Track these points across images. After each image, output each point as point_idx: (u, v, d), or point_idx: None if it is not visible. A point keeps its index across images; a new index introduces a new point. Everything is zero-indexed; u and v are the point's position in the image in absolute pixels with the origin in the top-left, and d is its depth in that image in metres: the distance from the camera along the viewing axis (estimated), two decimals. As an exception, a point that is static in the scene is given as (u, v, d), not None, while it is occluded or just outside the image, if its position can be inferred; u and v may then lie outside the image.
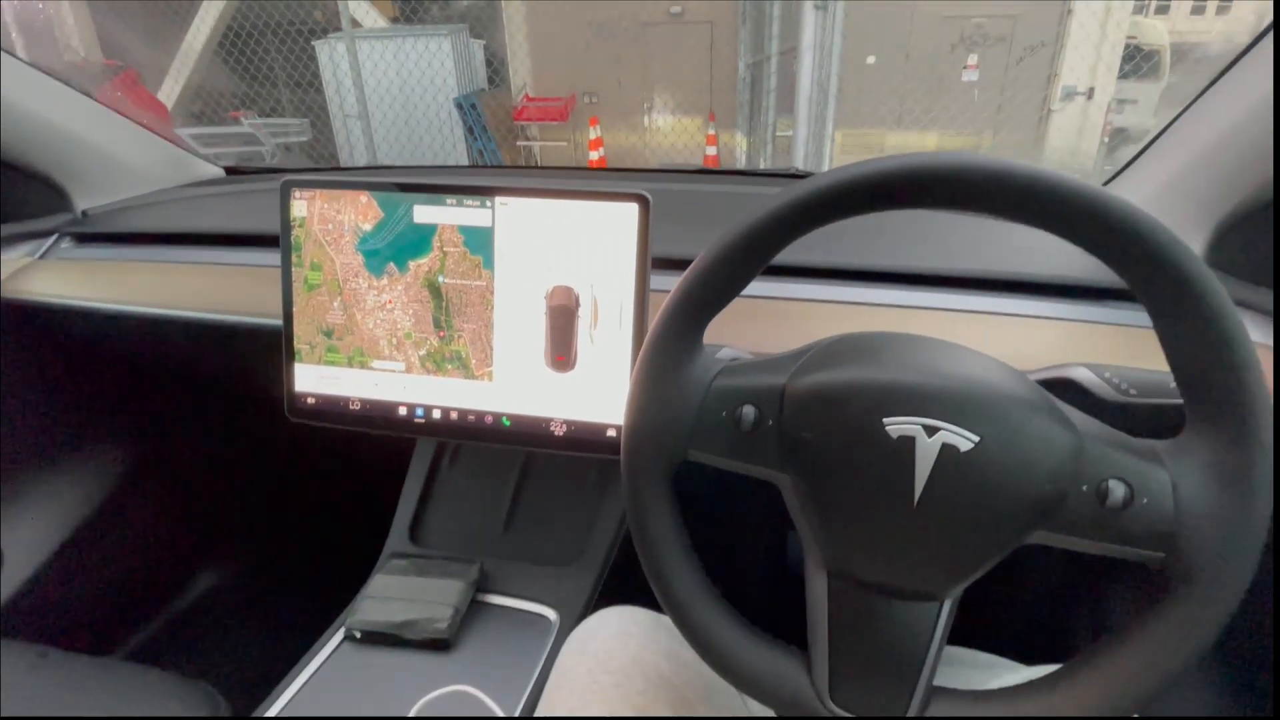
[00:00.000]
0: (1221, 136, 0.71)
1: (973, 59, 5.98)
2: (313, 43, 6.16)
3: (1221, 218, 0.71)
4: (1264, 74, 0.66)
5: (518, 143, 6.87)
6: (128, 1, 6.61)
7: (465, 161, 6.11)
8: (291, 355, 0.82)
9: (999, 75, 5.99)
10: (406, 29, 6.42)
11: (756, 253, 0.47)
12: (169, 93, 6.87)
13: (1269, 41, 0.67)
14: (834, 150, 3.65)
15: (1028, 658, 0.68)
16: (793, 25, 4.06)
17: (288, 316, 0.81)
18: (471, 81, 6.49)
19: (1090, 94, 5.72)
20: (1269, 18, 0.68)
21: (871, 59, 5.95)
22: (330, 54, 6.08)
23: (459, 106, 6.07)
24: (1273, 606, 0.42)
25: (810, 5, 3.48)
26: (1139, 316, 0.73)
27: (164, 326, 0.96)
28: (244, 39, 6.07)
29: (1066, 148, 5.81)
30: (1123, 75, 5.48)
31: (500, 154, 6.39)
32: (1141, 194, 0.79)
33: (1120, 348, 0.71)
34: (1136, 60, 5.30)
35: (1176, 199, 0.75)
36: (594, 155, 6.03)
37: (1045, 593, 1.06)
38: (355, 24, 6.17)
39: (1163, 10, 6.50)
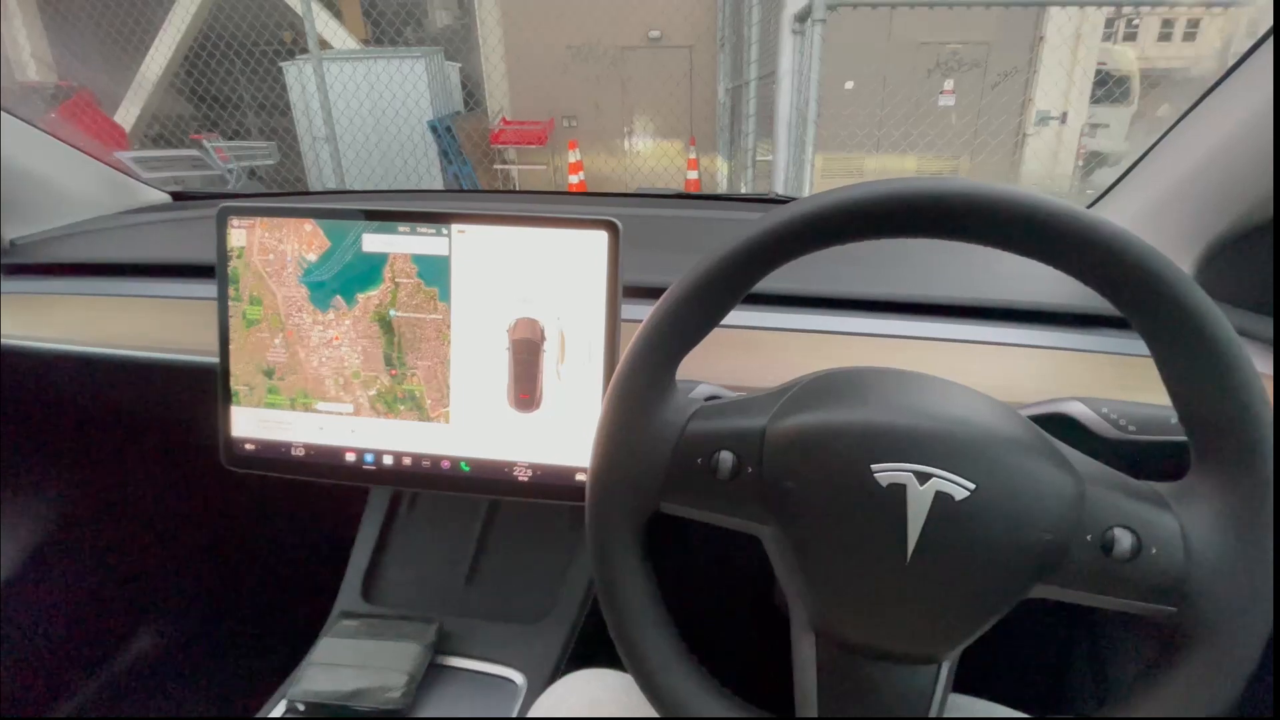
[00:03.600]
0: (1208, 159, 0.69)
1: (949, 84, 6.10)
2: (280, 64, 6.10)
3: (1210, 241, 0.70)
4: (1250, 97, 0.65)
5: (495, 166, 6.86)
6: (85, 21, 6.50)
7: (440, 186, 6.07)
8: (228, 397, 0.76)
9: (974, 100, 6.12)
10: (378, 51, 6.39)
11: (733, 284, 0.45)
12: (127, 115, 6.75)
13: (1252, 66, 0.66)
14: (814, 174, 3.65)
15: (1024, 701, 0.64)
16: (771, 50, 4.09)
17: (224, 355, 0.75)
18: (447, 104, 6.46)
19: (1064, 118, 5.86)
20: (1235, 45, 0.66)
21: (849, 84, 6.05)
22: (298, 75, 6.02)
23: (433, 130, 6.03)
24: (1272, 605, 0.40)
25: (788, 31, 3.50)
26: (1131, 344, 0.71)
27: (96, 366, 0.90)
28: (208, 59, 5.97)
29: (1042, 171, 5.93)
30: (1094, 100, 5.62)
31: (477, 178, 6.36)
32: (1125, 218, 0.77)
33: (1114, 378, 0.69)
34: (1108, 85, 5.43)
35: (1162, 223, 0.73)
36: (574, 179, 6.04)
37: (1043, 636, 1.02)
38: (325, 45, 6.12)
39: (1131, 37, 6.68)
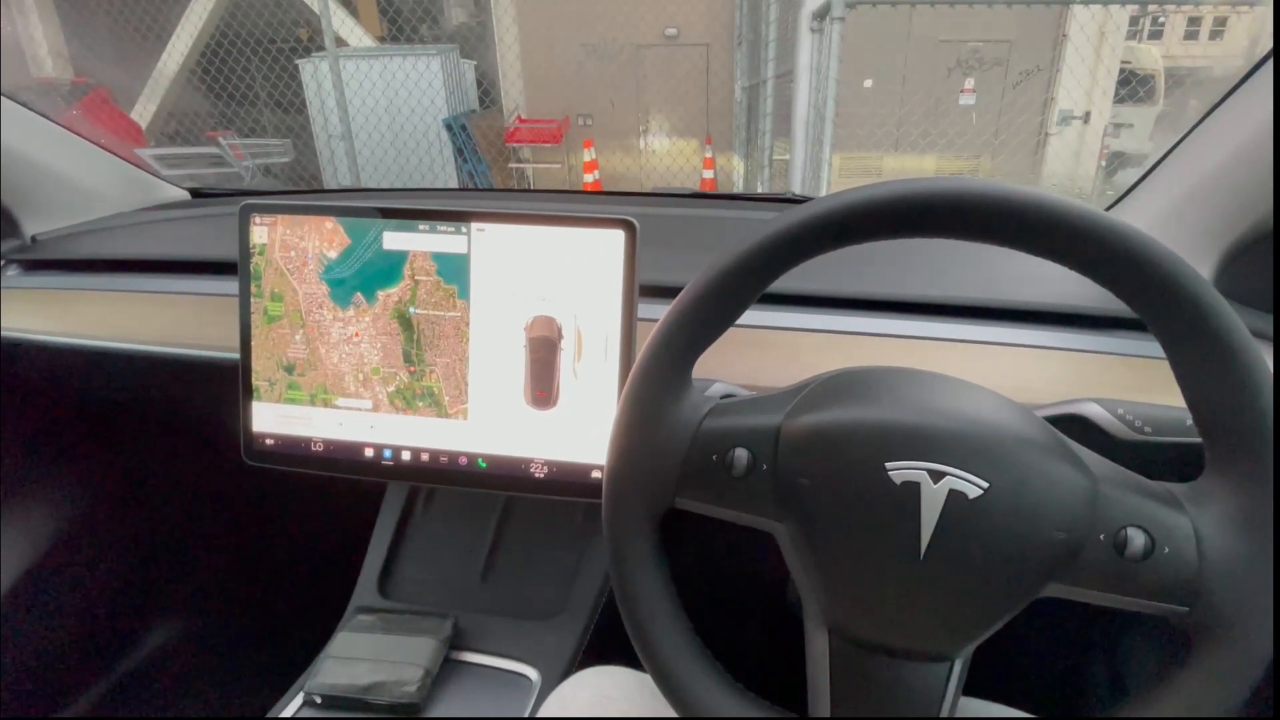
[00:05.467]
0: (1228, 160, 0.69)
1: (969, 83, 6.03)
2: (296, 61, 6.12)
3: (1229, 244, 0.69)
4: (1271, 99, 0.64)
5: (510, 165, 6.86)
6: (101, 17, 6.54)
7: (454, 184, 6.08)
8: (249, 393, 0.77)
9: (996, 99, 6.05)
10: (394, 48, 6.40)
11: (750, 282, 0.45)
12: (143, 112, 6.79)
13: (1272, 67, 0.65)
14: (832, 174, 3.62)
15: (1039, 704, 0.64)
16: (789, 48, 4.06)
17: (245, 351, 0.76)
18: (462, 102, 6.46)
19: (1086, 118, 5.78)
20: (1263, 44, 0.65)
21: (868, 82, 5.99)
22: (314, 73, 6.01)
23: (448, 128, 6.03)
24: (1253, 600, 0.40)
25: (806, 28, 3.48)
26: (1148, 347, 0.70)
27: (116, 360, 0.91)
28: (224, 56, 5.97)
29: (1064, 171, 5.86)
30: (1118, 99, 5.54)
31: (491, 176, 6.36)
32: (1145, 220, 0.77)
33: (1130, 381, 0.68)
34: (1132, 85, 5.35)
35: (1182, 225, 0.73)
36: (589, 178, 6.03)
37: (1057, 637, 1.01)
38: (341, 42, 6.13)
39: (1156, 35, 6.59)
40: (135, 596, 1.18)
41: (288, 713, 0.73)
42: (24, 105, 0.99)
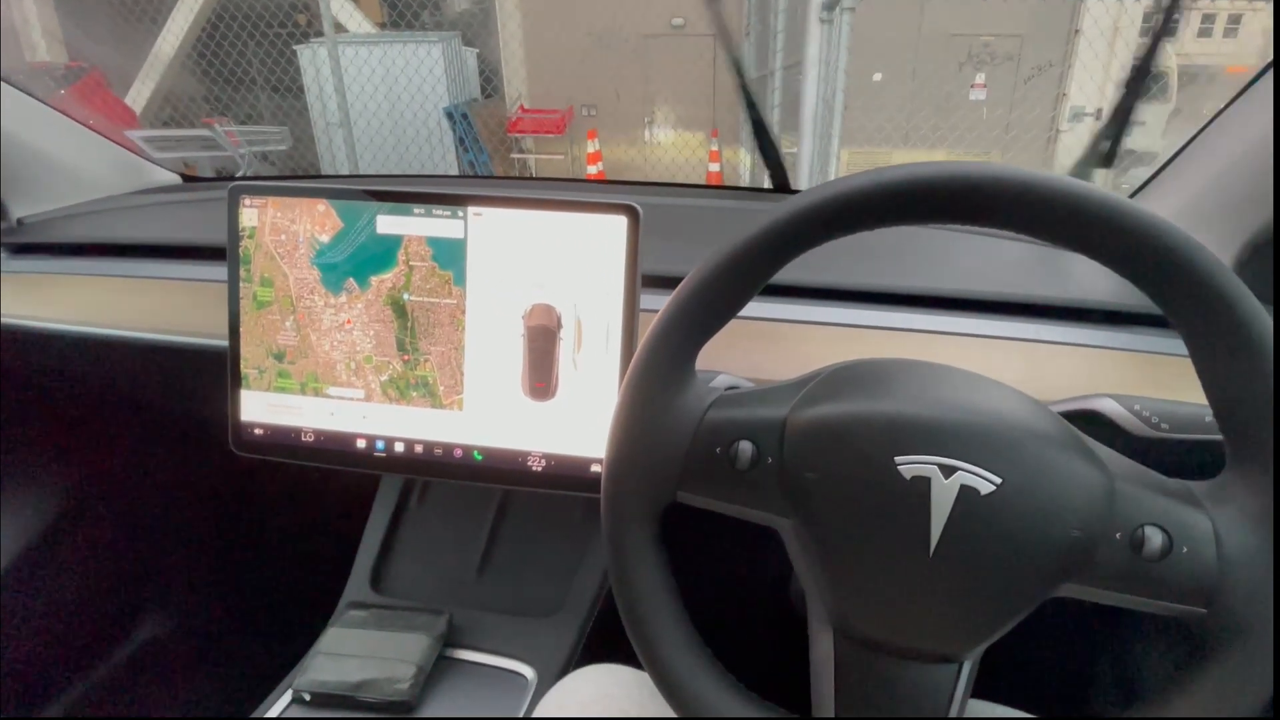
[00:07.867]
0: (1249, 151, 0.67)
1: (980, 78, 6.00)
2: (294, 47, 6.07)
3: (1250, 235, 0.67)
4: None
5: (512, 155, 6.82)
6: (94, 1, 6.49)
7: (455, 174, 6.05)
8: (238, 381, 0.75)
9: (1007, 94, 6.01)
10: (394, 35, 6.35)
11: (753, 271, 0.44)
12: (137, 97, 6.74)
13: None
14: (840, 167, 3.59)
15: (1046, 706, 0.63)
16: (797, 40, 4.02)
17: (234, 337, 0.74)
18: (463, 91, 6.42)
19: (1098, 115, 5.73)
20: None
21: (878, 76, 5.95)
22: (313, 59, 5.97)
23: (449, 116, 6.00)
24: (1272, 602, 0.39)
25: (815, 19, 3.44)
26: (1165, 343, 0.69)
27: (103, 347, 0.90)
28: (220, 41, 5.90)
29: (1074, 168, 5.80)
30: (1130, 96, 5.48)
31: (493, 166, 6.33)
32: (1164, 211, 0.74)
33: (1147, 377, 0.67)
34: (1145, 81, 5.30)
35: (1200, 217, 0.71)
36: (593, 169, 5.99)
37: (1065, 637, 0.99)
38: (340, 28, 6.09)
39: (1170, 33, 6.53)
40: (122, 590, 1.17)
41: (275, 711, 0.71)
42: (9, 83, 0.97)
